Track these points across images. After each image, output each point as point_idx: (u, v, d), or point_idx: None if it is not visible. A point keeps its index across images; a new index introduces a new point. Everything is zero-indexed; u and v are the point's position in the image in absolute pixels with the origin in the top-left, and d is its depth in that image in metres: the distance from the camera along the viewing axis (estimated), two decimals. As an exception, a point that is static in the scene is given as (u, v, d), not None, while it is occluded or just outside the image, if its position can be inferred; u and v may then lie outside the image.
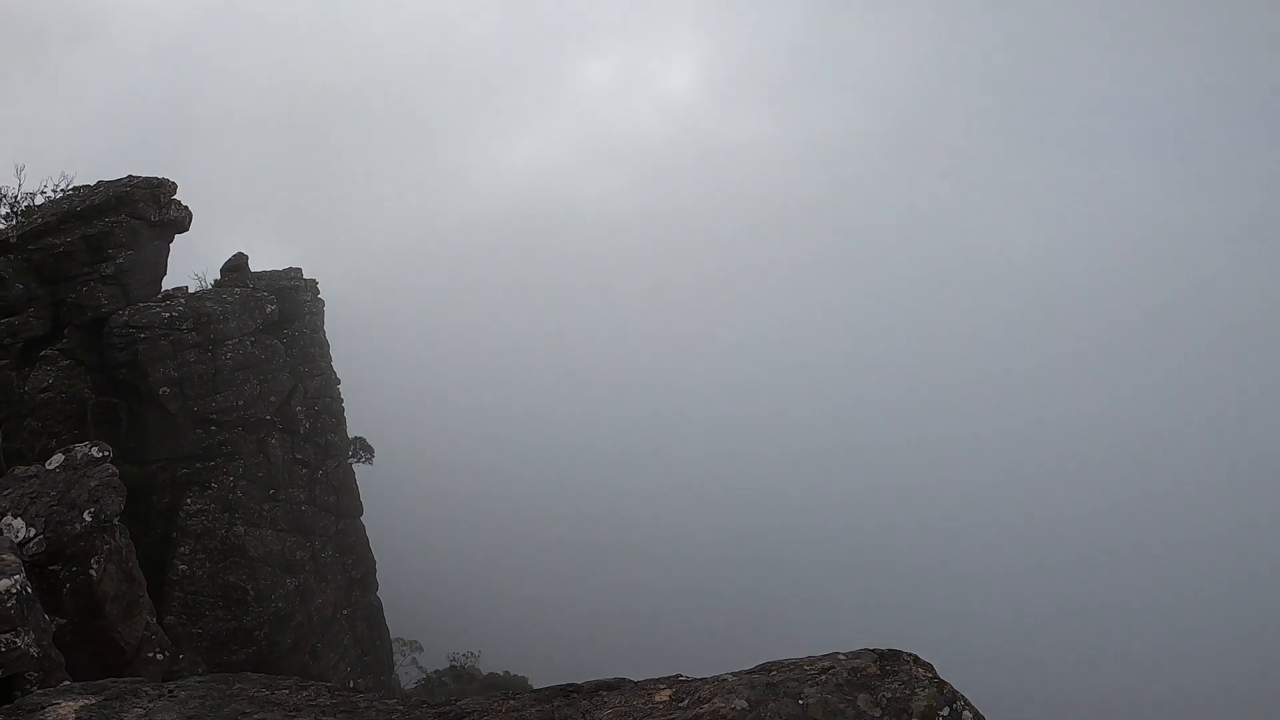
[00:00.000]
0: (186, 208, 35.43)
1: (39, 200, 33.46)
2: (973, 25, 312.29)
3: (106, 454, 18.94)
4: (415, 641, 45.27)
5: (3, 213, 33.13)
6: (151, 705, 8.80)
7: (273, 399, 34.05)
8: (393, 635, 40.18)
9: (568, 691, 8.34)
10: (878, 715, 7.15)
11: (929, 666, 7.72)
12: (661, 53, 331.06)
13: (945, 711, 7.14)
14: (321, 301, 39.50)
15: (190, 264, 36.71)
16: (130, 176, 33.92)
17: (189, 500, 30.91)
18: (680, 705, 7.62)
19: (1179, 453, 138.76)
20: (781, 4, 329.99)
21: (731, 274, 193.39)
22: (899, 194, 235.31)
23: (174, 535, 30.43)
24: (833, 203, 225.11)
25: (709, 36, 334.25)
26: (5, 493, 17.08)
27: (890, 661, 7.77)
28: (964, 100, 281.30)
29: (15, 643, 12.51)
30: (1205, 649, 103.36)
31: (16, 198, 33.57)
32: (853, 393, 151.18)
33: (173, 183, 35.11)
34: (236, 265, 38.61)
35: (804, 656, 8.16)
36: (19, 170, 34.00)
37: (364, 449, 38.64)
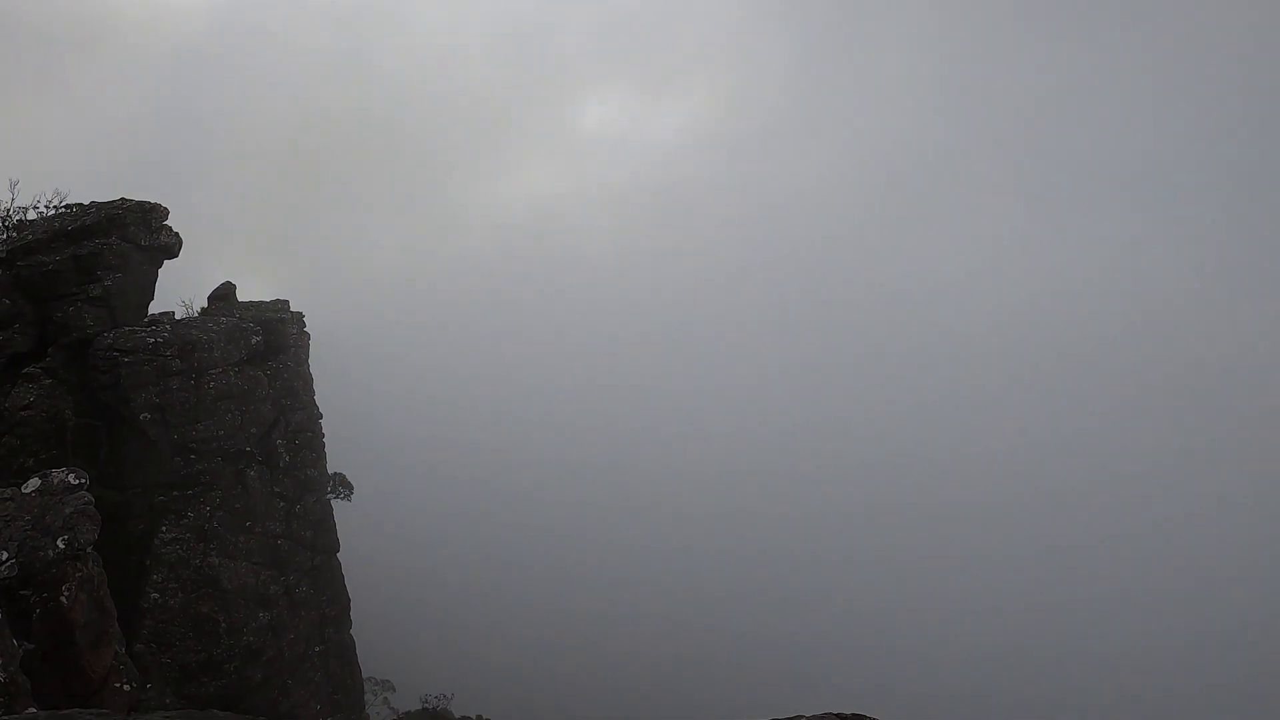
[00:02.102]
0: (177, 234, 35.33)
1: (31, 215, 33.32)
2: (954, 82, 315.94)
3: (83, 481, 18.72)
4: (387, 681, 44.82)
5: None
6: (117, 740, 8.57)
7: (254, 430, 33.69)
8: (365, 674, 39.69)
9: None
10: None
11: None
12: (655, 101, 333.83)
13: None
14: (307, 335, 39.31)
15: (178, 289, 36.60)
16: (123, 199, 33.82)
17: (164, 528, 30.49)
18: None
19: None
20: (771, 59, 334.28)
21: (718, 319, 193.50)
22: (881, 244, 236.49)
23: (148, 563, 29.98)
24: (816, 251, 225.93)
25: (700, 87, 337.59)
26: (-21, 514, 16.82)
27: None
28: (944, 155, 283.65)
29: (-19, 668, 12.25)
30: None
31: (9, 212, 33.49)
32: (831, 445, 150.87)
33: (165, 208, 35.02)
34: (224, 294, 38.45)
35: None
36: (13, 185, 33.95)
37: (343, 485, 38.36)
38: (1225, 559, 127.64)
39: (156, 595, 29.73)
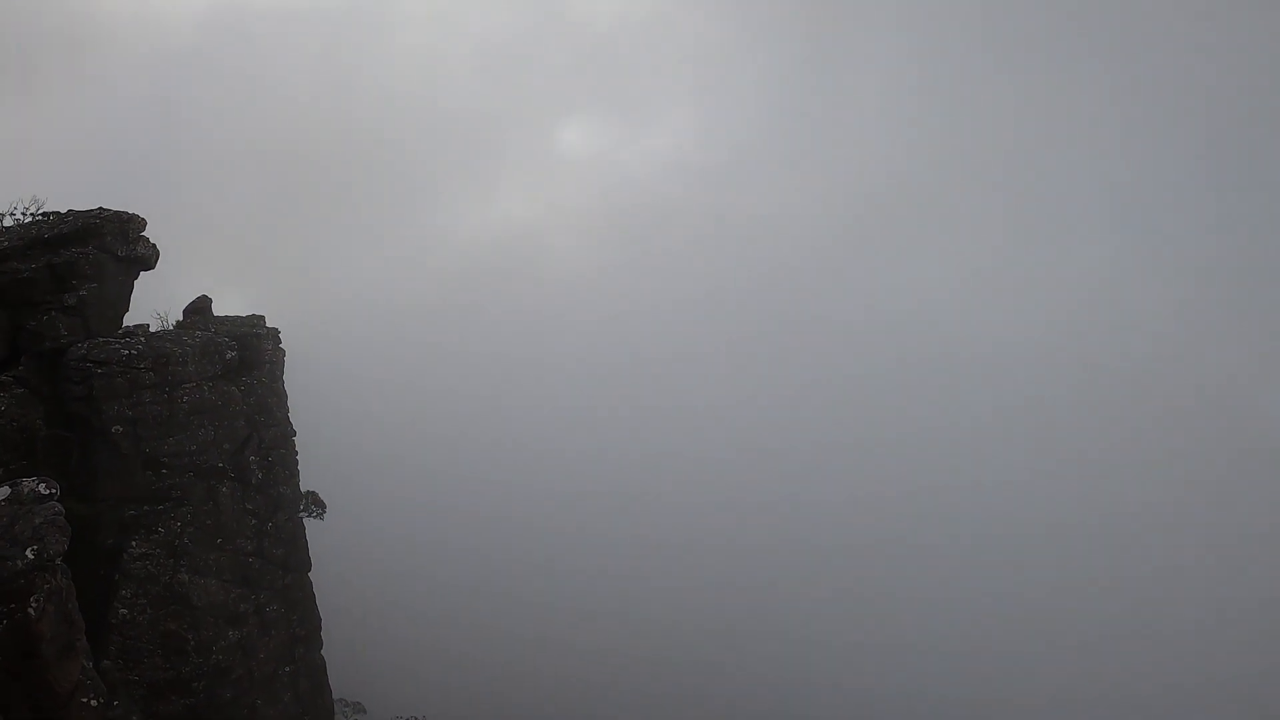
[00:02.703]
0: (154, 245, 35.03)
1: (7, 222, 32.99)
2: (931, 107, 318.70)
3: (54, 491, 18.43)
4: (358, 703, 44.40)
5: None
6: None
7: (226, 446, 33.31)
8: (336, 695, 39.27)
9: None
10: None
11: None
12: (633, 125, 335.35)
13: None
14: (283, 351, 38.90)
15: (153, 300, 36.19)
16: (101, 209, 33.43)
17: (134, 543, 30.12)
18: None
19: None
20: (758, 80, 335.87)
21: (700, 343, 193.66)
22: (859, 268, 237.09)
23: (116, 578, 29.61)
24: (793, 275, 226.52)
25: (684, 108, 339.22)
26: (-54, 522, 16.51)
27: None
28: (922, 180, 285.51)
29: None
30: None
31: None
32: (816, 475, 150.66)
33: (142, 219, 34.69)
34: (199, 308, 38.10)
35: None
36: None
37: (316, 504, 37.95)
38: (1219, 580, 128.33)
39: (125, 611, 29.37)
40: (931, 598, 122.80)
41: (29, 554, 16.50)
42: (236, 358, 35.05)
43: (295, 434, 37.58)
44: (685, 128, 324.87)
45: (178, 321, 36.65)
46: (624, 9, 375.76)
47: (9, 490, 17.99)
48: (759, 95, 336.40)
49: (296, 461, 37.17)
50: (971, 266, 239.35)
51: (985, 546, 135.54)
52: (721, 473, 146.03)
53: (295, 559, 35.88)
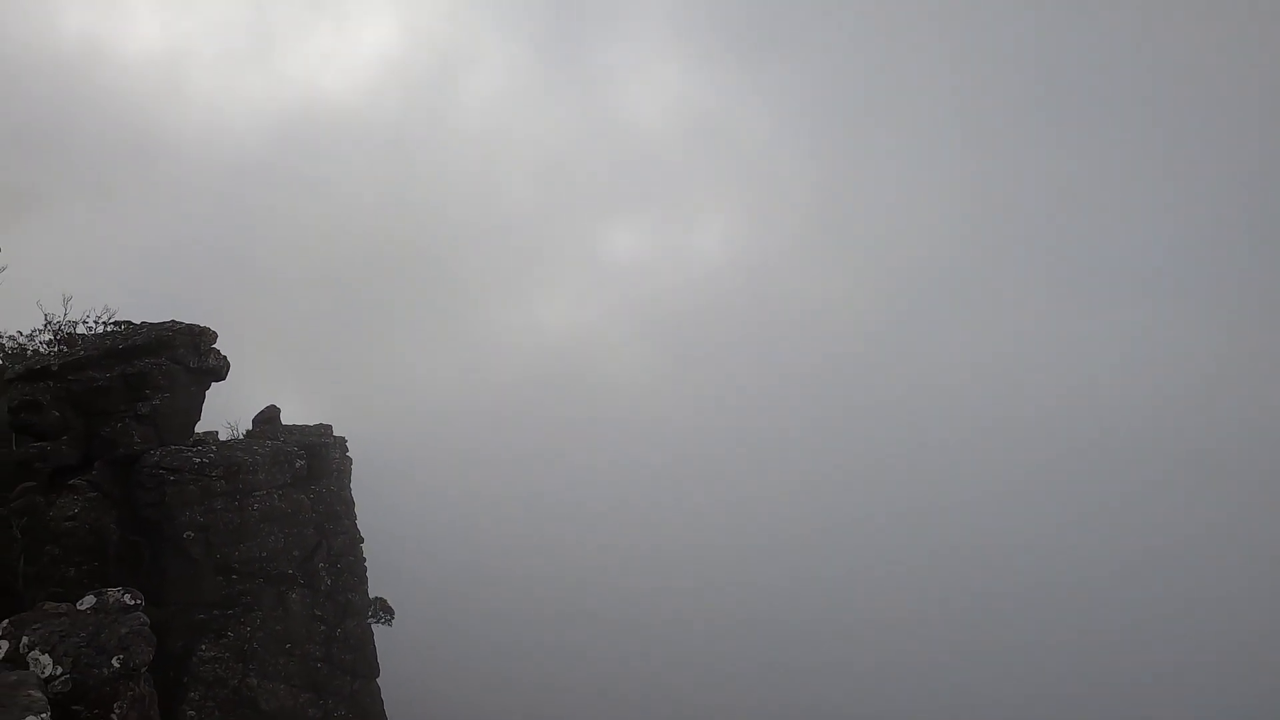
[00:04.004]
0: (225, 357, 35.65)
1: (80, 329, 33.86)
2: (972, 184, 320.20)
3: (139, 602, 18.73)
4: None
5: (46, 339, 33.65)
6: None
7: (296, 553, 33.65)
8: (402, 801, 39.00)
9: None
10: None
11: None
12: (688, 224, 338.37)
13: None
14: (350, 459, 39.42)
15: (223, 406, 36.83)
16: (174, 321, 34.19)
17: (203, 647, 30.30)
18: None
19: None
20: (792, 177, 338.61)
21: (748, 437, 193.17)
22: (908, 346, 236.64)
23: (185, 680, 29.74)
24: (844, 361, 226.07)
25: (733, 207, 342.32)
26: (34, 628, 16.79)
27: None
28: (965, 255, 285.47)
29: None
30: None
31: (60, 326, 34.10)
32: (876, 551, 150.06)
33: (214, 332, 35.38)
34: (269, 417, 38.76)
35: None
36: (65, 300, 34.62)
37: (385, 610, 38.06)
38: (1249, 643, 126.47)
39: (193, 714, 29.43)
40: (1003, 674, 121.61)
41: (115, 662, 16.70)
42: (305, 466, 35.50)
43: (363, 540, 37.84)
44: (729, 225, 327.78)
45: (248, 430, 37.28)
46: (666, 111, 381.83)
47: (94, 599, 18.26)
48: (806, 185, 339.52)
49: (365, 568, 37.42)
50: (1015, 337, 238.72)
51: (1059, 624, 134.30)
52: (786, 558, 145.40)
53: (363, 665, 35.90)
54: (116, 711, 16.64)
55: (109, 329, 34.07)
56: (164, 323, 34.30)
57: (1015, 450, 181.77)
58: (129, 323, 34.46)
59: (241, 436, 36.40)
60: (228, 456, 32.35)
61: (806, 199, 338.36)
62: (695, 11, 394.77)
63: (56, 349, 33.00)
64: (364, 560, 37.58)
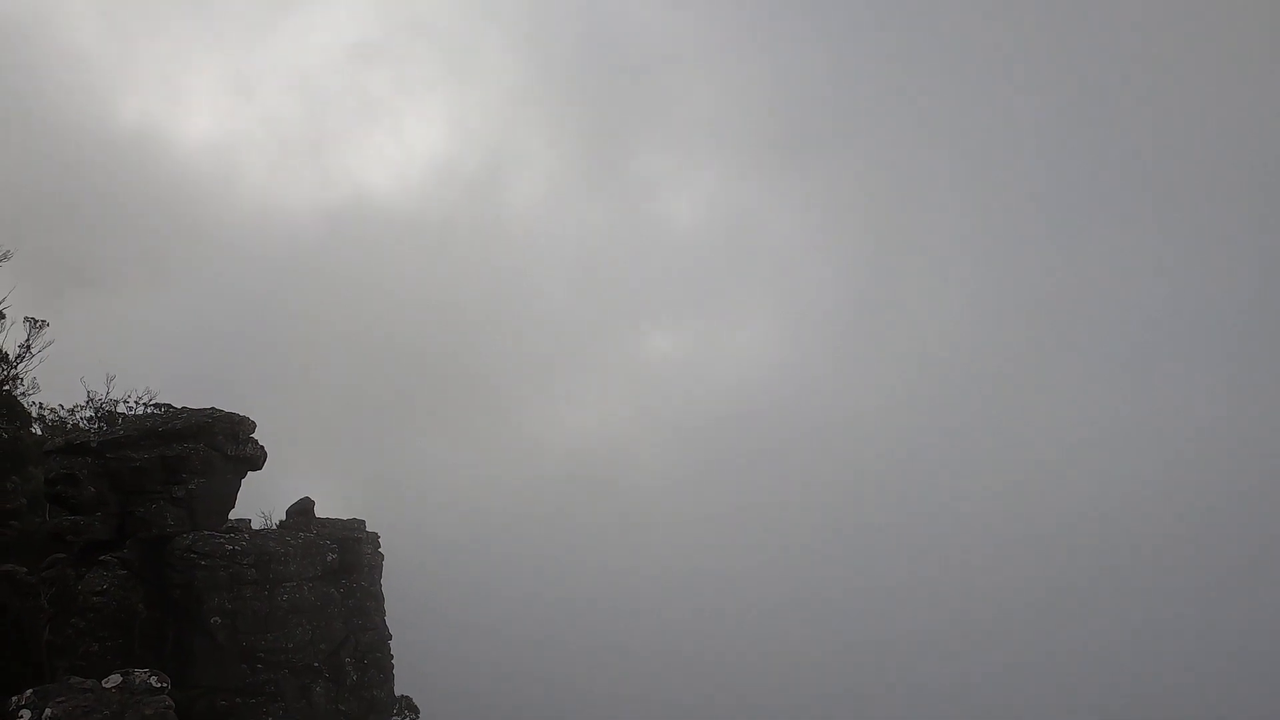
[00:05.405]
0: (263, 447, 35.63)
1: (121, 409, 34.12)
2: (998, 279, 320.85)
3: (165, 685, 18.52)
4: None
5: (87, 415, 33.91)
6: None
7: (323, 646, 33.25)
8: None
9: None
10: None
11: None
12: (722, 329, 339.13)
13: None
14: (382, 555, 39.18)
15: (257, 495, 36.76)
16: (214, 409, 34.27)
17: (225, 736, 29.83)
18: None
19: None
20: (833, 284, 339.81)
21: (785, 544, 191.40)
22: (964, 450, 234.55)
23: (206, 769, 29.23)
24: (886, 479, 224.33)
25: (767, 312, 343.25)
26: (58, 700, 16.53)
27: None
28: (1004, 351, 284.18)
29: None
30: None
31: (101, 404, 34.39)
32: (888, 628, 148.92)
33: (252, 421, 35.44)
34: (303, 509, 38.59)
35: None
36: (109, 379, 34.97)
37: (410, 708, 37.60)
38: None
39: (213, 806, 28.88)
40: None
41: (136, 743, 16.40)
42: (337, 560, 35.28)
43: (391, 637, 37.39)
44: (763, 330, 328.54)
45: (281, 521, 37.19)
46: (702, 216, 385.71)
47: (120, 679, 17.99)
48: (833, 294, 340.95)
49: (392, 665, 36.92)
50: (1061, 426, 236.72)
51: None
52: (810, 672, 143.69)
53: (386, 763, 35.31)
54: (136, 793, 16.29)
55: (150, 410, 34.26)
56: (205, 409, 34.39)
57: (1047, 567, 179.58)
58: (169, 406, 34.67)
59: (275, 526, 36.26)
60: (260, 545, 32.18)
61: (839, 304, 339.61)
62: (730, 119, 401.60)
63: (97, 426, 33.20)
64: (391, 657, 37.09)
